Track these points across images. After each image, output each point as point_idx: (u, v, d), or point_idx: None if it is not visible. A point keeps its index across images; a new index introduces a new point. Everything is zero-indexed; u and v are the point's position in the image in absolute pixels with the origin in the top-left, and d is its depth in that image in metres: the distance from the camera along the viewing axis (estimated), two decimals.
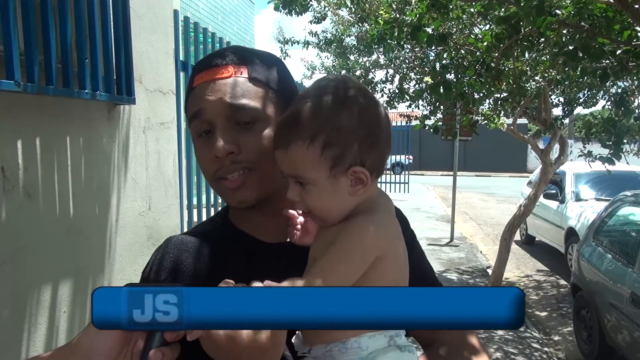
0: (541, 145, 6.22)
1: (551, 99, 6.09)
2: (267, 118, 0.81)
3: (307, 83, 8.28)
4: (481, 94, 4.52)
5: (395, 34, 3.42)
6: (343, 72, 8.28)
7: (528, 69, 4.44)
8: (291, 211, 0.81)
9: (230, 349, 0.62)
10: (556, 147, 5.99)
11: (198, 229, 0.93)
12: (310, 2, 4.91)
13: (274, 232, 0.85)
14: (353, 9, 6.19)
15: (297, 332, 0.78)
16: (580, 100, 6.51)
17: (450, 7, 3.26)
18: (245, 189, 0.80)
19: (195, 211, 3.46)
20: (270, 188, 0.83)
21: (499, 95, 4.97)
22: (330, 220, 0.75)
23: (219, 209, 4.12)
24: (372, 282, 0.71)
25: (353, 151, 0.71)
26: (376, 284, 0.71)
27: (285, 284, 0.67)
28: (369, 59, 7.90)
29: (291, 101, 0.85)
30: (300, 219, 0.81)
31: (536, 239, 8.63)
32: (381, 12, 4.43)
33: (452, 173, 9.10)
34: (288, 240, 0.82)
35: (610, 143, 3.36)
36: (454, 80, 4.03)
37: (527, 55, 3.94)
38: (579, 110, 6.89)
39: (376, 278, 0.71)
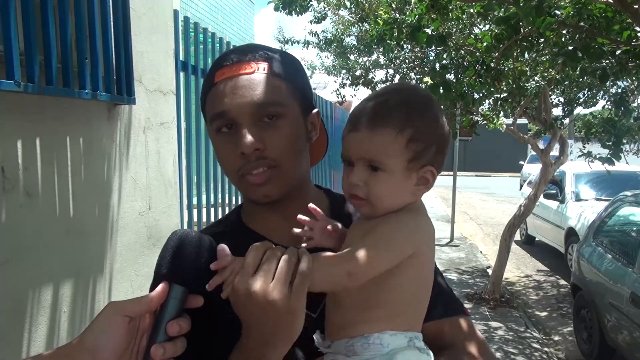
0: (541, 145, 6.22)
1: (551, 99, 6.08)
2: (288, 114, 0.81)
3: None
4: (481, 94, 4.52)
5: (395, 34, 3.41)
6: (343, 71, 8.28)
7: (528, 69, 4.43)
8: (304, 217, 0.82)
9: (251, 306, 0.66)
10: (556, 147, 5.99)
11: (212, 230, 0.91)
12: (310, 3, 4.90)
13: (287, 235, 0.84)
14: (353, 9, 6.18)
15: (316, 330, 0.79)
16: (580, 100, 6.51)
17: (450, 7, 3.26)
18: (270, 184, 0.81)
19: (195, 211, 3.46)
20: (292, 185, 0.84)
21: (498, 96, 4.97)
22: (381, 210, 0.77)
23: (219, 208, 4.07)
24: (408, 277, 0.75)
25: (431, 152, 0.76)
26: (411, 279, 0.76)
27: (321, 254, 0.70)
28: (369, 59, 7.89)
29: (308, 97, 0.88)
30: (321, 224, 0.82)
31: (536, 239, 8.63)
32: (380, 12, 4.43)
33: (452, 173, 9.08)
34: (304, 245, 0.81)
35: (610, 144, 3.36)
36: (454, 80, 4.03)
37: (526, 55, 3.94)
38: (579, 110, 6.89)
39: (411, 273, 0.76)
